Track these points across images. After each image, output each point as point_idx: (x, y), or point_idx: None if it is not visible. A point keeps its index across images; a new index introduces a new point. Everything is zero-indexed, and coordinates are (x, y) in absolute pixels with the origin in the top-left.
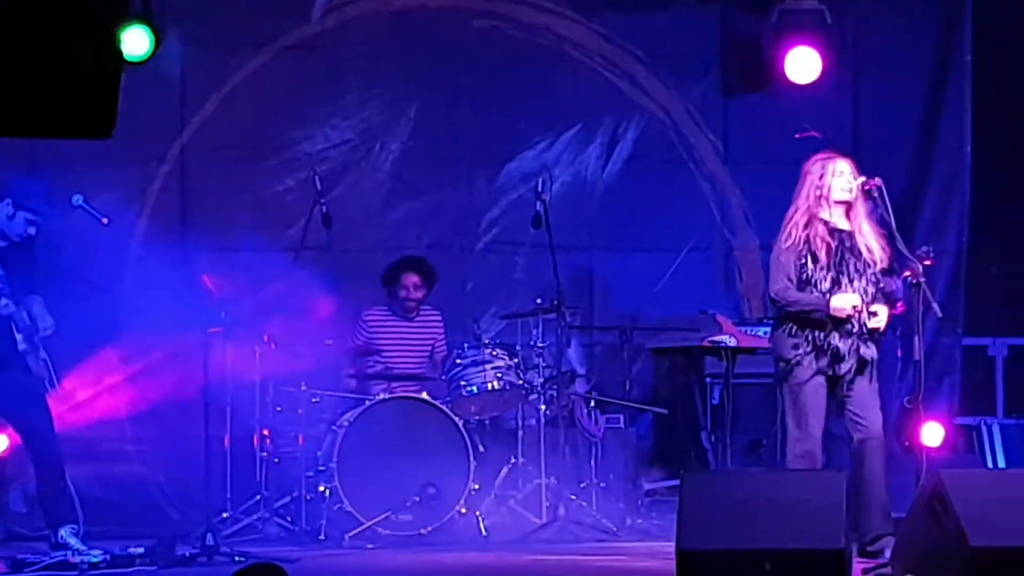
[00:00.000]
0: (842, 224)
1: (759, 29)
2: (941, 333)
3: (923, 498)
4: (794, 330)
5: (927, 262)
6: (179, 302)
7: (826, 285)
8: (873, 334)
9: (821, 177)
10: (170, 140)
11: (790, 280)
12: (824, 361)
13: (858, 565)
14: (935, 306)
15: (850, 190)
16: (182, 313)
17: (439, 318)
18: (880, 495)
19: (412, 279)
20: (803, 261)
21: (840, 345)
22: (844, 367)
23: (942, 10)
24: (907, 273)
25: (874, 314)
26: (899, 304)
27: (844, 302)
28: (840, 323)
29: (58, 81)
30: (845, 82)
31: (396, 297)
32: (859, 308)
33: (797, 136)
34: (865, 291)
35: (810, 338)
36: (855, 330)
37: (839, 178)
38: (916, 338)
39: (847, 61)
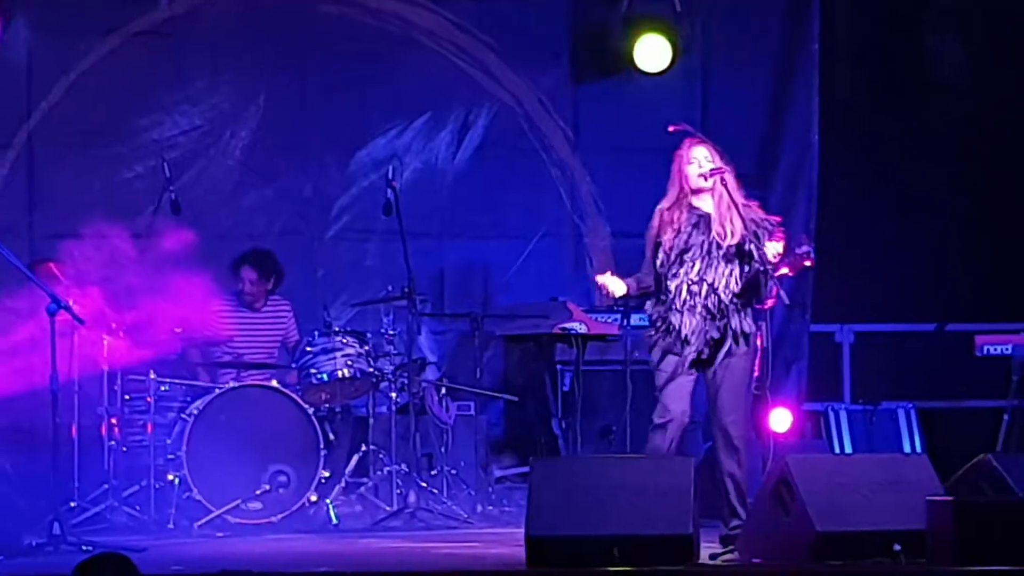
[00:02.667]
0: (706, 207)
1: (609, 17)
2: (789, 320)
3: (770, 484)
4: (656, 316)
5: (807, 263)
6: (26, 290)
7: (667, 266)
8: (726, 312)
9: (680, 166)
10: (16, 126)
11: (648, 271)
12: (669, 341)
13: (705, 549)
14: (782, 293)
15: (704, 176)
16: (29, 301)
17: (287, 306)
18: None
19: (249, 275)
20: (654, 249)
21: (680, 325)
22: (690, 349)
23: (790, 0)
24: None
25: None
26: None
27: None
28: (682, 302)
29: None
30: (694, 70)
31: (238, 290)
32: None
33: (671, 129)
34: (709, 270)
35: (656, 317)
36: (699, 310)
37: (692, 166)
38: (763, 325)
39: (696, 50)
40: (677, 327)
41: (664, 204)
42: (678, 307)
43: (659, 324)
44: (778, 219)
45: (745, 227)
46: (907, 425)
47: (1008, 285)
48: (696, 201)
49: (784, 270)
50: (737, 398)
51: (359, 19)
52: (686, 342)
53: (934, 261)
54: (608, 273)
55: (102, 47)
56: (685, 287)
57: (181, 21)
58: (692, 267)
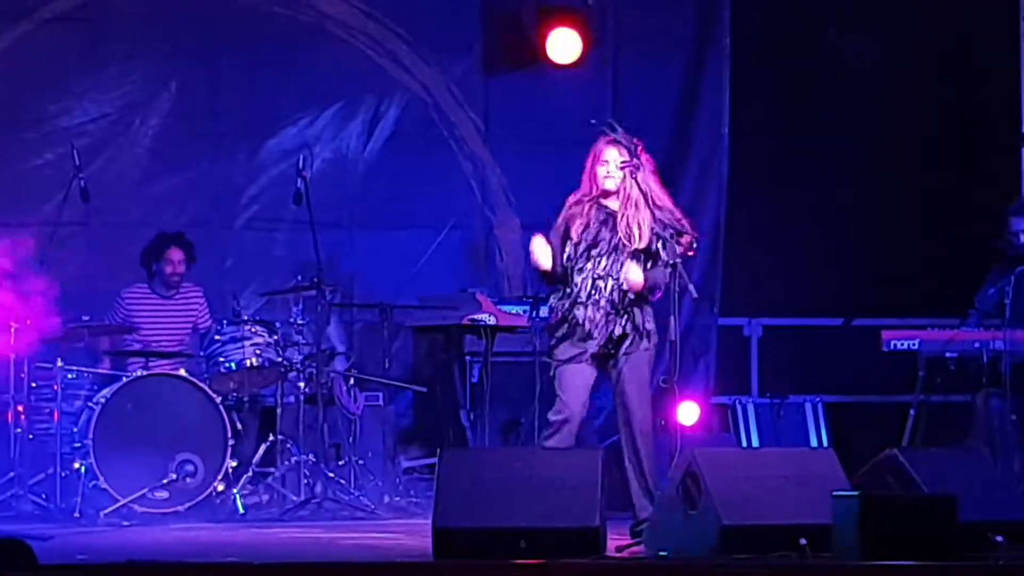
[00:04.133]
0: (612, 205)
1: (521, 8)
2: (697, 313)
3: (677, 477)
4: (552, 313)
5: (690, 253)
6: None
7: (574, 259)
8: (630, 308)
9: (591, 167)
10: None
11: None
12: (572, 334)
13: (612, 541)
14: (691, 287)
15: (608, 178)
16: None
17: (199, 293)
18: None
19: (177, 254)
20: (562, 240)
21: (584, 319)
22: (592, 343)
23: None
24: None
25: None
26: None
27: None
28: (587, 296)
29: None
30: (605, 62)
31: (160, 273)
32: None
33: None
34: (615, 266)
35: (559, 310)
36: (603, 304)
37: (602, 167)
38: (672, 318)
39: (607, 42)
40: (580, 320)
41: (574, 197)
42: (583, 300)
43: (562, 317)
44: (694, 234)
45: (654, 226)
46: (814, 419)
47: (915, 280)
48: (605, 200)
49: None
50: (643, 393)
51: (271, 8)
52: (589, 336)
53: (842, 256)
54: (543, 239)
55: (12, 32)
56: (590, 281)
57: (93, 8)
58: (599, 262)
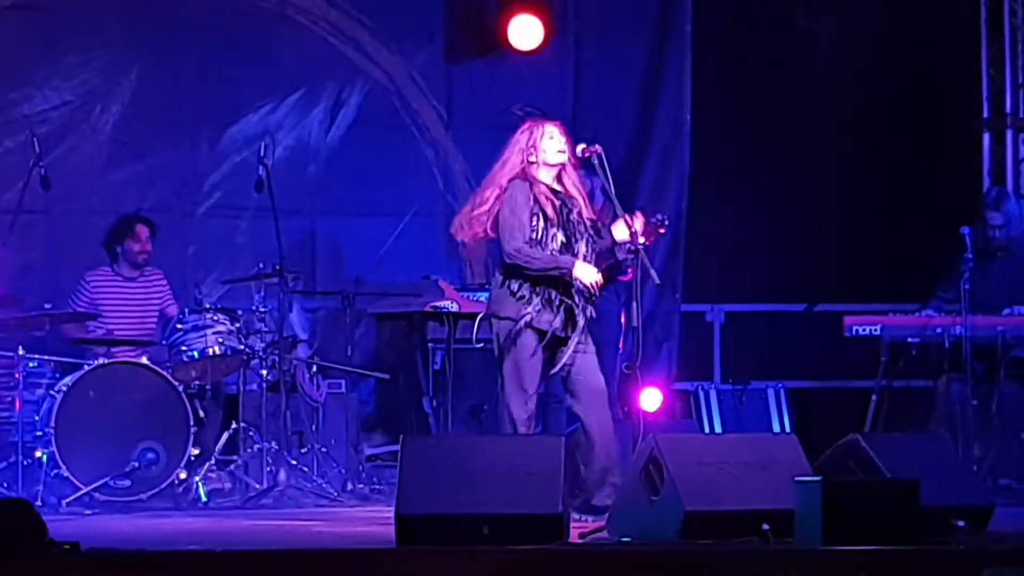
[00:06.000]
0: (555, 186)
1: None
2: (660, 299)
3: (639, 462)
4: (521, 288)
5: (661, 230)
6: None
7: (555, 244)
8: (592, 299)
9: (532, 141)
10: None
11: (526, 241)
12: (551, 318)
13: (575, 528)
14: (653, 273)
15: (562, 152)
16: None
17: (162, 276)
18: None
19: (144, 231)
20: (534, 221)
21: (572, 304)
22: (570, 328)
23: None
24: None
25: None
26: (629, 271)
27: (586, 273)
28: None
29: None
30: (567, 49)
31: (127, 252)
32: (596, 284)
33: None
34: (587, 253)
35: (544, 296)
36: (584, 292)
37: (551, 141)
38: (634, 304)
39: (569, 29)
40: (568, 304)
41: (519, 180)
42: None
43: (540, 299)
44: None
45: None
46: (776, 405)
47: (877, 266)
48: (544, 176)
49: (641, 239)
50: (598, 367)
51: None
52: (572, 319)
53: (804, 242)
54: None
55: None
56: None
57: None
58: (578, 248)
